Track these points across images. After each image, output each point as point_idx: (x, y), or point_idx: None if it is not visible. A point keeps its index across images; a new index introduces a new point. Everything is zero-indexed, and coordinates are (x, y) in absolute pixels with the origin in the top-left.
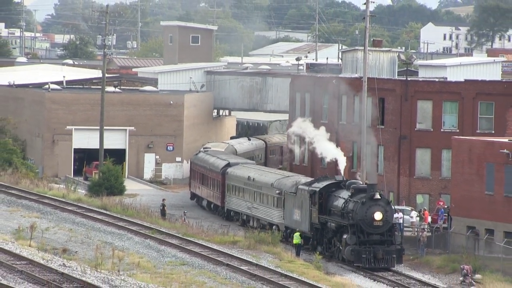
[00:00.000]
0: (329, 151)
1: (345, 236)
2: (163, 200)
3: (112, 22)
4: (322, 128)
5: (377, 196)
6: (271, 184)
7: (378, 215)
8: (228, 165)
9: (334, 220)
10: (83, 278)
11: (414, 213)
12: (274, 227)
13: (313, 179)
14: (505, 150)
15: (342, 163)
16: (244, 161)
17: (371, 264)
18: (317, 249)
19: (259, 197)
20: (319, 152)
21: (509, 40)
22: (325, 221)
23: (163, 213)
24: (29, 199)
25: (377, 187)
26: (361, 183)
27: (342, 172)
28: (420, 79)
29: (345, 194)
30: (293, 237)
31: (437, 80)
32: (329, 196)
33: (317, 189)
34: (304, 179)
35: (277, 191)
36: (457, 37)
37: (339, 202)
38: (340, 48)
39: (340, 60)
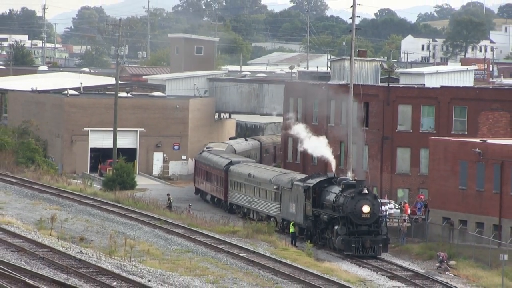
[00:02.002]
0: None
1: (336, 227)
2: (168, 195)
3: (125, 34)
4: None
5: (365, 191)
6: (269, 180)
7: (366, 208)
8: (231, 163)
9: (326, 212)
10: (99, 264)
11: (391, 205)
12: (272, 219)
13: (307, 175)
14: (477, 149)
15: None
16: (244, 159)
17: (360, 252)
18: (311, 238)
19: (259, 192)
20: (295, 133)
21: (480, 51)
22: (318, 214)
23: (169, 206)
24: (50, 193)
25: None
26: (351, 179)
27: (332, 163)
28: (401, 86)
29: (336, 189)
30: (289, 227)
31: (416, 86)
32: (322, 191)
33: (311, 185)
34: (299, 175)
35: (274, 187)
36: (434, 48)
37: (331, 197)
38: (329, 57)
39: (329, 69)
